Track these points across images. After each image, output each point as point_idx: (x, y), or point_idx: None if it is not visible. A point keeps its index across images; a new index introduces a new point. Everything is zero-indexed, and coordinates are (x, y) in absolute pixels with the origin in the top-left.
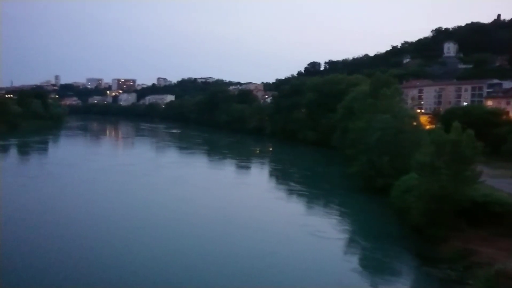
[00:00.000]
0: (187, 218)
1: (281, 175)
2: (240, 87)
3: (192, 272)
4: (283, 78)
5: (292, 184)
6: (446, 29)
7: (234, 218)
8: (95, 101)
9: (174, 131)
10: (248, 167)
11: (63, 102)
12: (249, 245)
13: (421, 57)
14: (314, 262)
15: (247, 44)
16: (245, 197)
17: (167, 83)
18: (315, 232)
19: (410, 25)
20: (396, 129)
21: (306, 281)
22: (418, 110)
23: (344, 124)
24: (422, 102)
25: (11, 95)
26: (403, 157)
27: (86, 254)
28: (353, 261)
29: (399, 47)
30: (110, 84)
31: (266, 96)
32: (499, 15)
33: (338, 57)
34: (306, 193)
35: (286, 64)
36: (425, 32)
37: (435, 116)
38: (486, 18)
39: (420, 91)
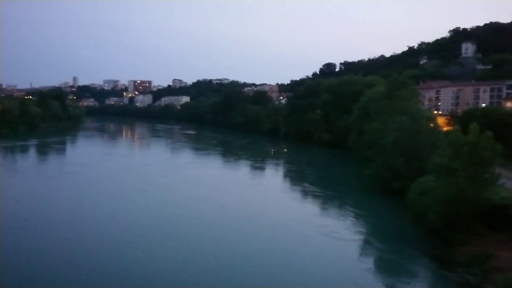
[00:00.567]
0: (205, 217)
1: (296, 176)
2: (255, 88)
3: (210, 270)
4: (298, 79)
5: (308, 185)
6: (464, 29)
7: (251, 217)
8: (112, 102)
9: (189, 132)
10: (263, 168)
11: (80, 103)
12: (266, 244)
13: (438, 57)
14: (330, 262)
15: (262, 45)
16: (261, 198)
17: (182, 85)
18: (330, 232)
19: (427, 25)
20: (412, 131)
21: (322, 280)
22: (435, 112)
23: (360, 126)
24: (439, 104)
25: (31, 96)
26: (419, 159)
27: (104, 253)
28: (369, 262)
29: (415, 47)
30: (127, 85)
31: (281, 97)
32: None
33: (353, 58)
34: (322, 194)
35: (301, 65)
36: (442, 32)
37: (452, 117)
38: (506, 17)
39: (437, 92)
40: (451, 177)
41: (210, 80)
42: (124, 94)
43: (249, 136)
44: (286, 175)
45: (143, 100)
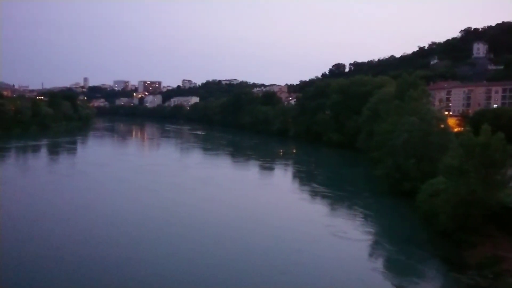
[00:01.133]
0: (215, 217)
1: (305, 177)
2: (264, 89)
3: (221, 268)
4: (308, 79)
5: (317, 185)
6: (476, 29)
7: (261, 217)
8: (122, 103)
9: (199, 132)
10: (272, 169)
11: (91, 104)
12: (275, 243)
13: (450, 58)
14: (339, 261)
15: (271, 46)
16: (271, 197)
17: (192, 85)
18: (339, 232)
19: (438, 26)
20: (423, 132)
21: (331, 279)
22: (446, 112)
23: (370, 126)
24: (450, 104)
25: (42, 97)
26: (430, 160)
27: (114, 253)
28: (378, 262)
29: (426, 48)
30: (137, 86)
31: (290, 98)
32: None
33: (363, 58)
34: (331, 194)
35: (311, 65)
36: (453, 32)
37: (463, 118)
38: None
39: (448, 93)
40: (462, 178)
41: (219, 81)
42: (134, 94)
43: (258, 137)
44: (295, 175)
45: (152, 101)
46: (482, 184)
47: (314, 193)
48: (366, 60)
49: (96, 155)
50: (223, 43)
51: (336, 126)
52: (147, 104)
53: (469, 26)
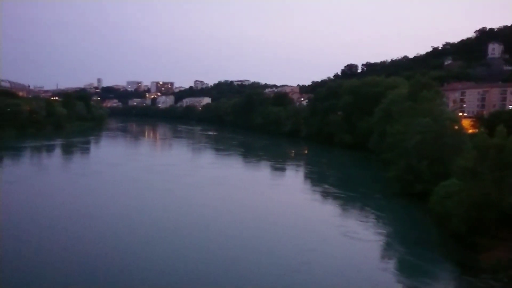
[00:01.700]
0: (228, 217)
1: (317, 178)
2: (276, 90)
3: (234, 266)
4: (319, 80)
5: (328, 186)
6: (491, 29)
7: (273, 216)
8: (135, 104)
9: (211, 133)
10: (284, 169)
11: (104, 104)
12: (288, 242)
13: (464, 58)
14: (349, 261)
15: (283, 46)
16: (283, 198)
17: (204, 86)
18: (351, 233)
19: (452, 26)
20: (436, 133)
21: (342, 278)
22: (460, 114)
23: (382, 128)
24: (464, 105)
25: (57, 97)
26: (443, 162)
27: (129, 251)
28: (390, 263)
29: (440, 48)
30: (149, 87)
31: (302, 99)
32: None
33: (376, 59)
34: (342, 195)
35: (323, 66)
36: (468, 32)
37: (478, 119)
38: None
39: (462, 93)
40: (476, 180)
41: (231, 82)
42: (147, 95)
43: (269, 138)
44: (307, 176)
45: (165, 101)
46: (496, 186)
47: (325, 194)
48: (378, 61)
49: (110, 155)
50: (235, 44)
51: (348, 127)
52: (159, 105)
53: (484, 26)
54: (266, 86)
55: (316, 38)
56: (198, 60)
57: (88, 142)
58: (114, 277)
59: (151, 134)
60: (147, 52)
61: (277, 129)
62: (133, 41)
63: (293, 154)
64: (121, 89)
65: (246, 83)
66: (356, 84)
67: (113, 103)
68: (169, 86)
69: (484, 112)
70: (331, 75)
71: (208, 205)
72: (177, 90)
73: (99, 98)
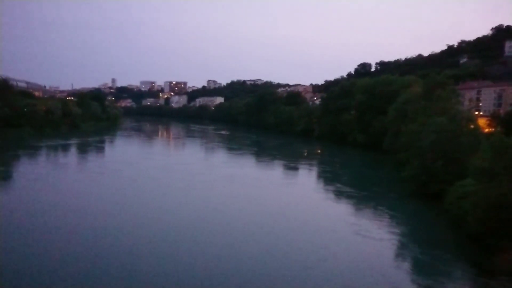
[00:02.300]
0: (242, 214)
1: (330, 177)
2: (288, 89)
3: (249, 261)
4: (333, 79)
5: (342, 186)
6: (508, 26)
7: (287, 214)
8: (148, 103)
9: (223, 132)
10: (297, 168)
11: (118, 104)
12: (302, 239)
13: (480, 57)
14: (364, 259)
15: (296, 46)
16: (297, 196)
17: (217, 86)
18: (365, 232)
19: (467, 24)
20: (451, 133)
21: (356, 276)
22: (476, 113)
23: (396, 127)
24: (480, 104)
25: (72, 97)
26: (459, 162)
27: (149, 248)
28: (404, 263)
29: (455, 46)
30: (163, 86)
31: (315, 98)
32: None
33: (389, 57)
34: (356, 195)
35: (336, 65)
36: (484, 30)
37: (494, 118)
38: None
39: (478, 92)
40: (492, 181)
41: (244, 81)
42: (160, 95)
43: (282, 137)
44: (320, 175)
45: (178, 101)
46: None
47: (339, 193)
48: (392, 59)
49: (125, 153)
50: (248, 43)
51: (361, 126)
52: (173, 104)
53: (500, 23)
54: (279, 85)
55: (330, 37)
56: (211, 59)
57: (103, 142)
58: (142, 275)
59: (165, 134)
60: (161, 52)
61: (289, 129)
62: (147, 42)
63: (306, 154)
64: (135, 89)
65: (259, 82)
66: (370, 83)
67: (127, 103)
68: (182, 86)
69: (501, 111)
70: (344, 74)
71: (223, 202)
72: (190, 90)
73: (113, 98)
